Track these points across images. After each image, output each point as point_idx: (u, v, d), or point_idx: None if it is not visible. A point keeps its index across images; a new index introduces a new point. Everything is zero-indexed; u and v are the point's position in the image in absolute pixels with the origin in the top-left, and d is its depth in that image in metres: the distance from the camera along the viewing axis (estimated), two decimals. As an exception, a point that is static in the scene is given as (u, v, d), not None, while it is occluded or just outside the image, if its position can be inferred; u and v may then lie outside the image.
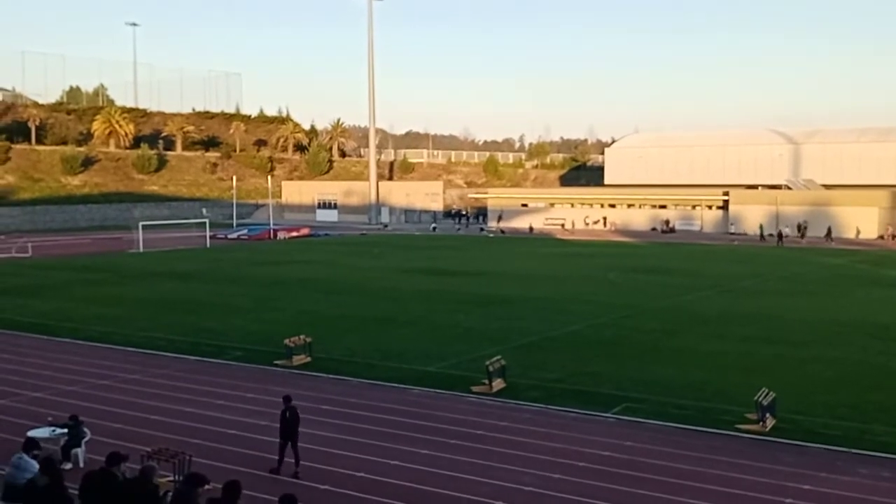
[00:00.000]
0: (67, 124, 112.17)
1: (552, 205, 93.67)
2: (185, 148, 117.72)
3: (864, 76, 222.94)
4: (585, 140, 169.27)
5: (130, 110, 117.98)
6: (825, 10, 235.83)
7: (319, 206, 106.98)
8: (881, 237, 72.60)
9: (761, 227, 74.95)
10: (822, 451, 17.02)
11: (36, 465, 11.68)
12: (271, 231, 77.81)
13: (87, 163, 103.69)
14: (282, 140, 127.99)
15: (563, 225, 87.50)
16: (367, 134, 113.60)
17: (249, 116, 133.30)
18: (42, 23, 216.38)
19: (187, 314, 33.83)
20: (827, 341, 27.93)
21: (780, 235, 69.65)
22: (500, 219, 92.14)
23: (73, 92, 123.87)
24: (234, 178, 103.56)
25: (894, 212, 74.17)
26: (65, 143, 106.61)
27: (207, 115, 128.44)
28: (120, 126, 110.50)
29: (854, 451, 16.95)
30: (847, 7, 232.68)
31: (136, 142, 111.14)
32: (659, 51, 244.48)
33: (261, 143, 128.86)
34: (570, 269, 49.69)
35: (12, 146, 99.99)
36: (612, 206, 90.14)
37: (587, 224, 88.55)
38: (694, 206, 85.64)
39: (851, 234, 72.71)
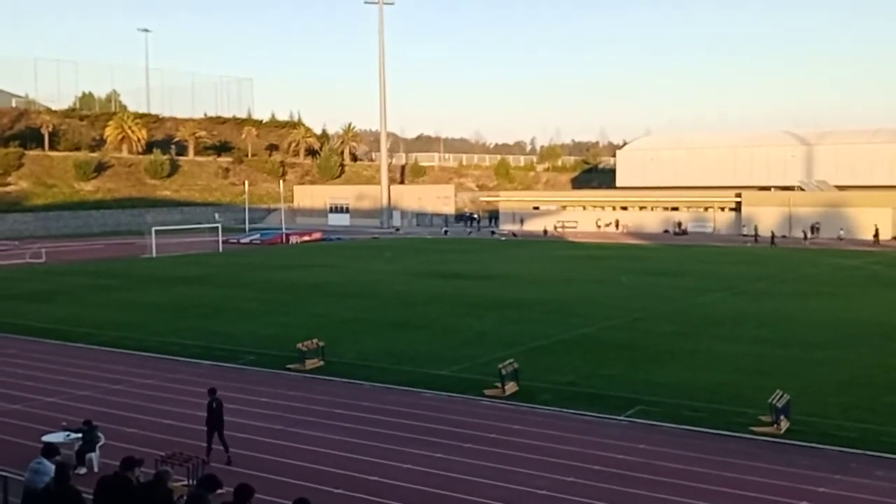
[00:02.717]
0: (80, 130, 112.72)
1: (564, 207, 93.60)
2: (197, 153, 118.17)
3: (876, 77, 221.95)
4: (597, 142, 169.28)
5: (143, 116, 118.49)
6: (837, 12, 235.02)
7: (331, 211, 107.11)
8: (894, 238, 71.93)
9: (755, 228, 74.66)
10: (837, 453, 16.93)
11: (53, 469, 11.75)
12: (283, 235, 77.96)
13: (100, 168, 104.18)
14: (293, 144, 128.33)
15: (555, 227, 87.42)
16: (378, 138, 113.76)
17: (261, 121, 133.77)
18: (54, 29, 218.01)
19: (200, 319, 33.93)
20: (841, 343, 27.77)
21: (772, 238, 69.47)
22: (522, 222, 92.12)
23: (86, 98, 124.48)
24: (247, 182, 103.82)
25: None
26: (78, 148, 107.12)
27: (219, 120, 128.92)
28: (132, 131, 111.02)
29: (869, 452, 16.86)
30: (859, 8, 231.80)
31: (149, 147, 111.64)
32: (670, 52, 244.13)
33: (272, 148, 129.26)
34: (582, 272, 49.61)
35: (25, 152, 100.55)
36: (625, 208, 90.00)
37: (599, 227, 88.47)
38: (706, 208, 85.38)
39: (869, 235, 71.61)
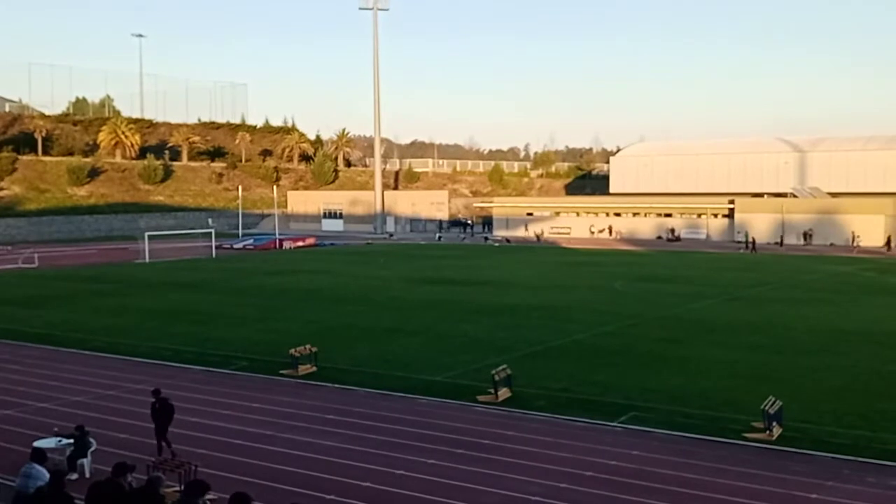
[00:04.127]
0: (74, 135, 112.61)
1: (557, 213, 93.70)
2: (190, 158, 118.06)
3: (869, 84, 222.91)
4: (590, 149, 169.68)
5: (136, 121, 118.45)
6: (831, 19, 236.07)
7: (325, 216, 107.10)
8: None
9: (746, 234, 74.89)
10: (829, 459, 16.97)
11: (46, 474, 11.72)
12: (277, 241, 77.90)
13: (94, 173, 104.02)
14: (287, 150, 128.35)
15: (538, 236, 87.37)
16: (372, 143, 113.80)
17: (255, 127, 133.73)
18: (49, 34, 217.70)
19: (193, 324, 33.86)
20: (834, 349, 27.83)
21: (753, 244, 69.91)
22: (526, 227, 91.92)
23: (80, 103, 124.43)
24: (240, 188, 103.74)
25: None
26: (71, 153, 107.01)
27: (213, 126, 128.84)
28: (126, 137, 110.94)
29: (861, 459, 16.88)
30: (853, 16, 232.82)
31: (142, 152, 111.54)
32: (664, 59, 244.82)
33: (266, 154, 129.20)
34: (575, 278, 49.63)
35: (19, 157, 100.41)
36: (618, 214, 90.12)
37: (592, 233, 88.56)
38: (700, 215, 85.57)
39: (874, 242, 71.58)
